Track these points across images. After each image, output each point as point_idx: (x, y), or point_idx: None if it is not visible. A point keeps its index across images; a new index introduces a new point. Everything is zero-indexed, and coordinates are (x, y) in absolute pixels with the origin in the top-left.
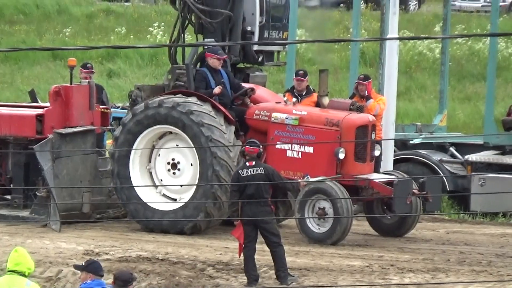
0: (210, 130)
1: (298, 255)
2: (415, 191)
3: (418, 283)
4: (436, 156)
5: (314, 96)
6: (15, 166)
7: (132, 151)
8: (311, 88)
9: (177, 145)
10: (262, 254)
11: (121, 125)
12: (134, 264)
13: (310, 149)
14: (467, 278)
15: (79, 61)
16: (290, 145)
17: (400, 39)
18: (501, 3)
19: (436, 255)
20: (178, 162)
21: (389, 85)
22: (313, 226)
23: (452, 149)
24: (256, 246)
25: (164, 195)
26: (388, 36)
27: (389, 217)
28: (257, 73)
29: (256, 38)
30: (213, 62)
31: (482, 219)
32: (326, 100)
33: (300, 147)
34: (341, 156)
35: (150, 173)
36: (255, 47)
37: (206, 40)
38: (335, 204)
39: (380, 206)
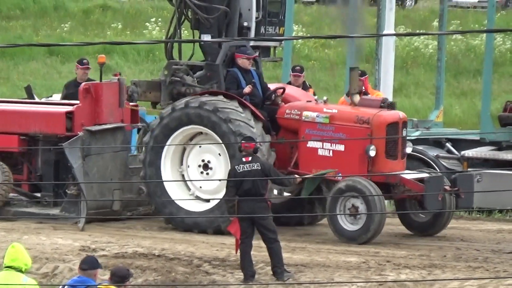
0: (237, 125)
1: (294, 251)
2: (447, 187)
3: (414, 279)
4: (433, 152)
5: (310, 92)
6: (44, 164)
7: (164, 151)
8: (307, 83)
9: (199, 146)
10: (259, 250)
11: (150, 130)
12: (130, 260)
13: (341, 147)
14: (464, 274)
15: (76, 57)
16: (320, 143)
17: (397, 35)
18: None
19: (433, 251)
20: (209, 162)
21: (386, 81)
22: (345, 224)
23: (448, 144)
24: (253, 242)
25: (197, 197)
26: (385, 32)
27: (422, 215)
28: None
29: (252, 33)
30: (243, 62)
31: (478, 215)
32: (356, 98)
33: (331, 145)
34: (372, 153)
35: (183, 175)
36: (251, 43)
37: (202, 35)
38: (369, 203)
39: (413, 204)
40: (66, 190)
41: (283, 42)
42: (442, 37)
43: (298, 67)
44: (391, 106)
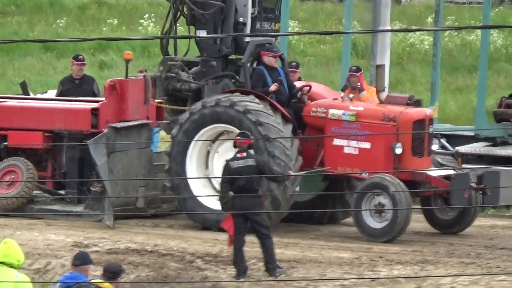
0: (266, 128)
1: (287, 247)
2: (473, 184)
3: (407, 275)
4: None
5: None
6: (69, 161)
7: (190, 149)
8: (302, 79)
9: (233, 144)
10: (251, 246)
11: (178, 124)
12: (123, 256)
13: (367, 145)
14: (456, 270)
15: (71, 53)
16: (347, 140)
17: (392, 31)
18: None
19: (425, 247)
20: None
21: None
22: (370, 221)
23: (443, 140)
24: (246, 238)
25: (214, 188)
26: (380, 27)
27: (445, 211)
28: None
29: (248, 29)
30: (269, 60)
31: None
32: (383, 95)
33: (357, 143)
34: (398, 151)
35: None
36: (247, 38)
37: (198, 31)
38: (395, 200)
39: (438, 202)
40: (90, 187)
41: (278, 38)
42: (437, 33)
43: (294, 63)
44: (417, 103)
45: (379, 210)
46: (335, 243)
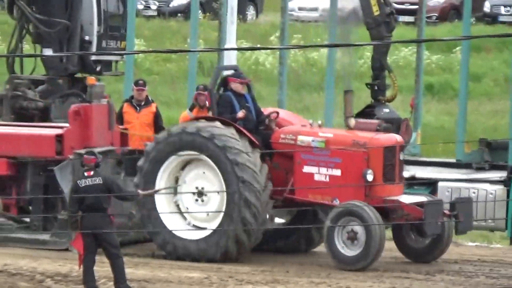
0: (233, 153)
1: (137, 266)
2: (446, 211)
3: None
4: None
5: (153, 106)
6: (34, 188)
7: (158, 178)
8: (150, 98)
9: (204, 172)
10: (101, 266)
11: (145, 154)
12: None
13: (337, 172)
14: None
15: None
16: (317, 168)
17: (237, 49)
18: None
19: (275, 267)
20: (203, 188)
21: None
22: (343, 249)
23: None
24: (96, 257)
25: (194, 226)
26: (226, 45)
27: (417, 239)
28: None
29: (94, 47)
30: (236, 86)
31: None
32: (352, 122)
33: (327, 170)
34: (369, 178)
35: (178, 206)
36: (93, 57)
37: (44, 49)
38: (368, 227)
39: (410, 229)
40: (57, 215)
41: (124, 56)
42: (283, 51)
43: (141, 81)
44: (387, 129)
45: (352, 237)
46: (185, 263)
